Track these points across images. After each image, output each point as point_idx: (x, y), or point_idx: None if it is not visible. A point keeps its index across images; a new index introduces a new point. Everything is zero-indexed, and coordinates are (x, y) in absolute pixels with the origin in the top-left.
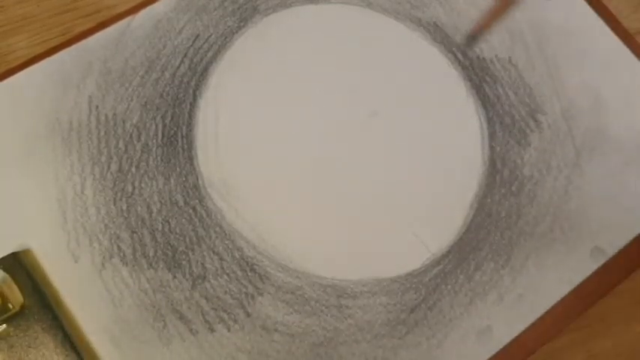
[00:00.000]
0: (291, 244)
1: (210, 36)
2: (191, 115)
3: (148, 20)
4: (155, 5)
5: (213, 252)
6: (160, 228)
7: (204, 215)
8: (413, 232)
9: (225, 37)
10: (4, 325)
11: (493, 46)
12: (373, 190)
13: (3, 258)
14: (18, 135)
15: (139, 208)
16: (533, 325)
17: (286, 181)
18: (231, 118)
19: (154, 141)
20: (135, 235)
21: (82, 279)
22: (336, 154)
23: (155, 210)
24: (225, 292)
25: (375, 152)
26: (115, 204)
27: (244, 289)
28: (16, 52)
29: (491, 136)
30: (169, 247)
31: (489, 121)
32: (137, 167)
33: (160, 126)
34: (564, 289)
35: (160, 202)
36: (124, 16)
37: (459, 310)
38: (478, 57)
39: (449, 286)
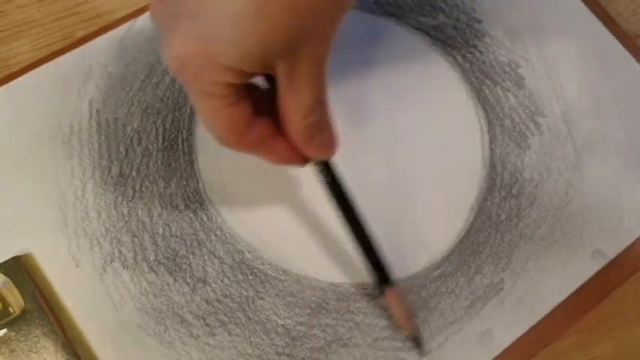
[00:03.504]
0: (292, 247)
1: None
2: (191, 119)
3: (148, 25)
4: None
5: (214, 256)
6: (160, 232)
7: (205, 219)
8: (413, 235)
9: None
10: (5, 330)
11: (493, 49)
12: (373, 193)
13: (4, 262)
14: (19, 139)
15: (140, 212)
16: (534, 328)
17: (287, 184)
18: None
19: (155, 145)
20: (136, 238)
21: (82, 283)
22: (336, 157)
23: (156, 214)
24: (226, 296)
25: (375, 155)
26: (115, 208)
27: (245, 293)
28: (17, 57)
29: (492, 139)
30: (170, 251)
31: (489, 123)
32: (138, 171)
33: (161, 130)
34: (565, 292)
35: (161, 205)
36: (124, 21)
37: (459, 313)
38: (478, 60)
39: (449, 289)
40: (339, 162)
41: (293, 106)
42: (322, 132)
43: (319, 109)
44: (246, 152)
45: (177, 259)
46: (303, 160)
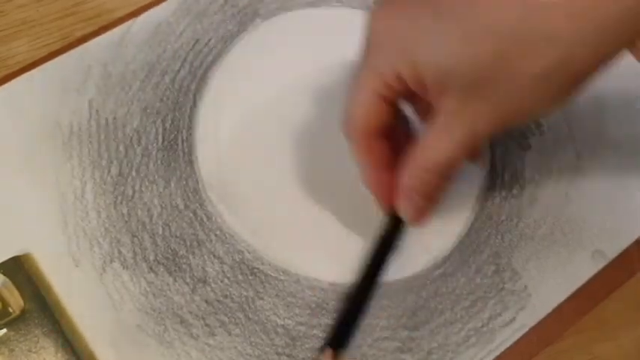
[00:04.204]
0: (292, 247)
1: (210, 40)
2: (191, 119)
3: (148, 24)
4: (155, 9)
5: (214, 255)
6: (160, 232)
7: (205, 219)
8: (413, 235)
9: (226, 41)
10: (5, 330)
11: None
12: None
13: (3, 262)
14: (18, 139)
15: (140, 212)
16: (534, 328)
17: (287, 184)
18: (232, 122)
19: (155, 145)
20: (135, 238)
21: (82, 283)
22: (337, 157)
23: (155, 214)
24: (226, 296)
25: None
26: (115, 208)
27: (245, 293)
28: (17, 57)
29: (492, 138)
30: (170, 251)
31: None
32: (137, 171)
33: (160, 130)
34: (565, 292)
35: (161, 205)
36: (124, 20)
37: (459, 314)
38: None
39: (450, 289)
40: (339, 159)
41: (430, 145)
42: (425, 199)
43: (443, 174)
44: (354, 150)
45: (177, 259)
46: (389, 206)
